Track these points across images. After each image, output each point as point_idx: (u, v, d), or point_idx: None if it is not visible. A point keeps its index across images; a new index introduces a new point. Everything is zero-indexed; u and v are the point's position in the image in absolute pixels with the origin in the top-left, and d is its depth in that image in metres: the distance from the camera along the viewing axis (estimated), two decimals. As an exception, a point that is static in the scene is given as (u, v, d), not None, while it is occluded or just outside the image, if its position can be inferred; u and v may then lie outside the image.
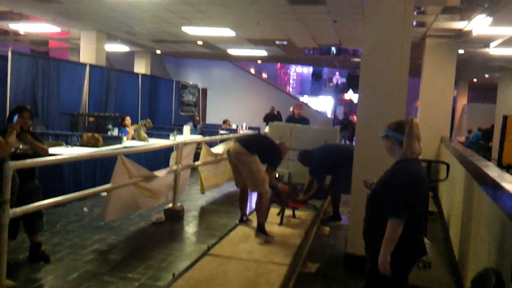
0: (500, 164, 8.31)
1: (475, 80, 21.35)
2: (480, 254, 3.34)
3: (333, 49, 16.58)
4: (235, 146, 5.40)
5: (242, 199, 5.93)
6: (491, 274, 2.56)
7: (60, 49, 16.84)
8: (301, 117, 9.24)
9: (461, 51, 10.95)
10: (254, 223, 5.66)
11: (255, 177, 5.29)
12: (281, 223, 5.87)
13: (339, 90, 33.95)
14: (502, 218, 2.63)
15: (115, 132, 8.69)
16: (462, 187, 4.85)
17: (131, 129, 8.91)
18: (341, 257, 4.87)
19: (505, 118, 8.81)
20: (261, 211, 5.34)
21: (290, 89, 36.01)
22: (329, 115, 30.09)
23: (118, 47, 15.18)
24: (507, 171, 6.08)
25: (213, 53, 16.18)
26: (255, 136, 5.86)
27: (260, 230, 5.27)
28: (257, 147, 5.36)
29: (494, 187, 2.85)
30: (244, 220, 5.88)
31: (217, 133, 11.87)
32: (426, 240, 3.66)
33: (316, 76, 34.56)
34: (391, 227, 2.60)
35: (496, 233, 2.81)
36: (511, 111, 12.29)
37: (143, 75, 13.67)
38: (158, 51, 16.71)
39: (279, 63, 31.14)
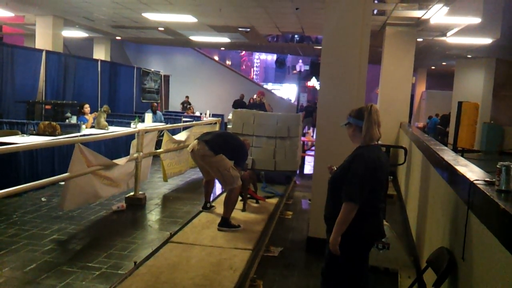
0: (455, 148, 8.63)
1: (433, 67, 21.96)
2: (435, 234, 3.46)
3: (296, 36, 16.64)
4: (199, 147, 5.16)
5: (207, 186, 5.90)
6: (445, 253, 2.66)
7: (14, 34, 16.21)
8: (262, 103, 9.87)
9: (419, 40, 11.23)
10: (218, 210, 5.67)
11: (225, 176, 5.15)
12: (244, 209, 5.89)
13: (303, 78, 34.17)
14: (455, 200, 2.72)
15: (74, 120, 8.46)
16: (419, 171, 5.00)
17: (90, 117, 8.70)
18: (303, 240, 4.96)
19: (460, 104, 9.14)
20: (229, 205, 5.17)
21: (254, 76, 36.04)
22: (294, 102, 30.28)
23: (76, 33, 14.74)
24: (462, 155, 6.30)
25: (175, 39, 15.94)
26: (219, 136, 5.54)
27: (224, 224, 5.10)
28: (221, 148, 5.20)
29: (448, 170, 2.94)
30: (208, 207, 5.87)
31: (180, 121, 11.76)
32: (385, 223, 3.77)
33: (280, 63, 34.68)
34: (344, 210, 2.66)
35: (450, 214, 2.91)
36: (467, 97, 12.76)
37: (102, 61, 13.33)
38: (118, 37, 16.32)
39: (243, 51, 31.05)
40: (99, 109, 8.62)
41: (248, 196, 6.17)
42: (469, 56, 15.35)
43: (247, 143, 5.94)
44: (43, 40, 11.93)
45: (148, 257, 4.16)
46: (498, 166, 2.05)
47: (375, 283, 3.96)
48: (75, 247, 4.65)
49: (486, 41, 11.00)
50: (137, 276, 3.73)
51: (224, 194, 5.54)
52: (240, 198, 5.78)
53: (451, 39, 10.81)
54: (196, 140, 5.32)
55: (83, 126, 7.82)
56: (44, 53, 10.29)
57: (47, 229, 5.07)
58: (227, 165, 5.16)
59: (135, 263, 4.05)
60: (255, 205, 6.28)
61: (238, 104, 15.43)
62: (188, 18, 11.05)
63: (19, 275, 3.87)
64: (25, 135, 6.85)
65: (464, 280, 2.37)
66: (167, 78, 19.38)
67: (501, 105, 16.34)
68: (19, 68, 9.48)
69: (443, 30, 10.20)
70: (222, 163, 5.14)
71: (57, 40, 12.17)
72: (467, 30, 9.57)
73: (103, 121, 8.26)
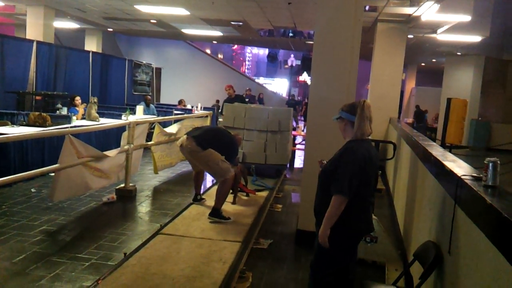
0: (443, 144, 8.73)
1: (423, 64, 22.09)
2: (422, 228, 3.51)
3: (291, 34, 16.65)
4: (188, 143, 5.13)
5: (197, 179, 5.88)
6: (431, 247, 2.71)
7: (5, 24, 16.02)
8: (236, 96, 9.97)
9: (410, 36, 11.30)
10: (208, 202, 5.70)
11: (214, 169, 5.17)
12: (234, 202, 5.91)
13: (294, 72, 34.24)
14: (443, 194, 2.76)
15: (64, 111, 8.42)
16: (408, 166, 5.06)
17: (81, 108, 8.66)
18: (292, 233, 5.02)
19: (449, 100, 9.23)
20: (221, 196, 5.18)
21: (246, 70, 35.96)
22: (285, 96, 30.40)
23: (67, 24, 14.61)
24: (450, 151, 6.37)
25: (167, 32, 15.87)
26: (208, 132, 5.48)
27: (215, 214, 5.12)
28: (210, 143, 5.14)
29: (436, 165, 2.98)
30: (198, 199, 5.88)
31: (171, 113, 11.73)
32: (373, 217, 3.81)
33: (272, 58, 34.66)
34: (334, 203, 2.68)
35: (437, 209, 2.95)
36: (456, 94, 12.86)
37: (94, 53, 13.22)
38: (110, 29, 16.20)
39: (235, 45, 30.95)
40: (91, 98, 8.60)
41: (239, 189, 6.20)
42: (459, 53, 15.46)
43: (238, 138, 5.92)
44: (34, 31, 11.83)
45: (138, 249, 4.17)
46: (485, 161, 2.09)
47: (363, 276, 4.01)
48: (64, 238, 4.65)
49: (476, 39, 11.10)
50: (127, 267, 3.74)
51: (215, 187, 5.56)
52: (230, 191, 5.80)
53: (441, 36, 10.89)
54: (185, 136, 5.30)
55: (74, 118, 7.79)
56: (35, 44, 10.18)
57: (37, 220, 5.06)
58: (216, 158, 5.13)
59: (125, 254, 4.06)
60: (245, 198, 6.31)
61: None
62: (181, 11, 11.01)
63: (8, 266, 3.86)
64: (15, 125, 6.81)
65: (450, 274, 2.41)
66: (158, 70, 19.29)
67: (489, 102, 16.52)
68: (9, 58, 9.38)
69: (433, 27, 10.27)
70: (211, 157, 5.12)
71: (48, 30, 12.07)
72: (457, 28, 9.66)
73: (94, 112, 8.23)
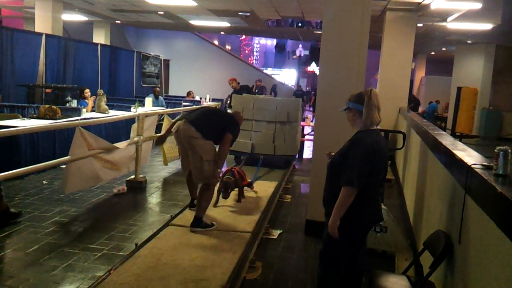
0: (453, 134, 8.67)
1: (433, 53, 21.87)
2: (432, 218, 3.50)
3: (300, 24, 16.56)
4: (186, 127, 4.51)
5: (191, 182, 5.14)
6: (442, 236, 2.71)
7: (13, 17, 16.08)
8: (241, 87, 10.51)
9: (420, 25, 11.18)
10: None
11: (204, 168, 4.50)
12: (239, 200, 5.61)
13: (302, 63, 34.09)
14: (453, 184, 2.75)
15: (74, 103, 8.48)
16: (418, 155, 5.04)
17: (90, 101, 8.71)
18: (301, 223, 5.03)
19: (459, 89, 9.15)
20: (203, 203, 4.61)
21: (254, 61, 35.84)
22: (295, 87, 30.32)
23: (75, 17, 14.64)
24: (460, 140, 6.34)
25: (175, 23, 15.84)
26: (205, 113, 4.82)
27: (197, 224, 4.54)
28: (211, 128, 4.59)
29: (446, 154, 2.96)
30: (195, 205, 5.01)
31: (180, 105, 11.77)
32: (382, 206, 3.81)
33: (280, 48, 34.54)
34: (343, 194, 2.68)
35: (447, 198, 2.94)
36: (466, 83, 12.75)
37: (102, 45, 13.26)
38: (118, 21, 16.21)
39: (243, 35, 30.85)
40: (99, 90, 8.65)
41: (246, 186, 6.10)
42: (469, 41, 15.28)
43: (239, 116, 5.26)
44: (42, 24, 11.86)
45: (149, 239, 4.21)
46: (496, 150, 2.08)
47: (373, 266, 4.02)
48: (76, 229, 4.71)
49: (487, 26, 10.94)
50: (138, 258, 3.78)
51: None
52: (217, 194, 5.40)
53: (451, 24, 10.75)
54: (180, 121, 4.69)
55: (84, 110, 7.84)
56: (43, 37, 10.24)
57: (49, 211, 5.12)
58: (212, 155, 4.58)
59: (136, 244, 4.10)
60: (255, 190, 6.30)
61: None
62: (188, 2, 10.97)
63: (22, 256, 3.93)
64: (25, 118, 6.87)
65: (460, 263, 2.41)
66: (167, 62, 19.31)
67: (500, 90, 16.33)
68: (19, 51, 9.45)
69: (443, 15, 10.14)
70: (208, 152, 4.55)
71: (56, 23, 12.11)
72: (468, 16, 9.52)
73: (103, 105, 8.28)
